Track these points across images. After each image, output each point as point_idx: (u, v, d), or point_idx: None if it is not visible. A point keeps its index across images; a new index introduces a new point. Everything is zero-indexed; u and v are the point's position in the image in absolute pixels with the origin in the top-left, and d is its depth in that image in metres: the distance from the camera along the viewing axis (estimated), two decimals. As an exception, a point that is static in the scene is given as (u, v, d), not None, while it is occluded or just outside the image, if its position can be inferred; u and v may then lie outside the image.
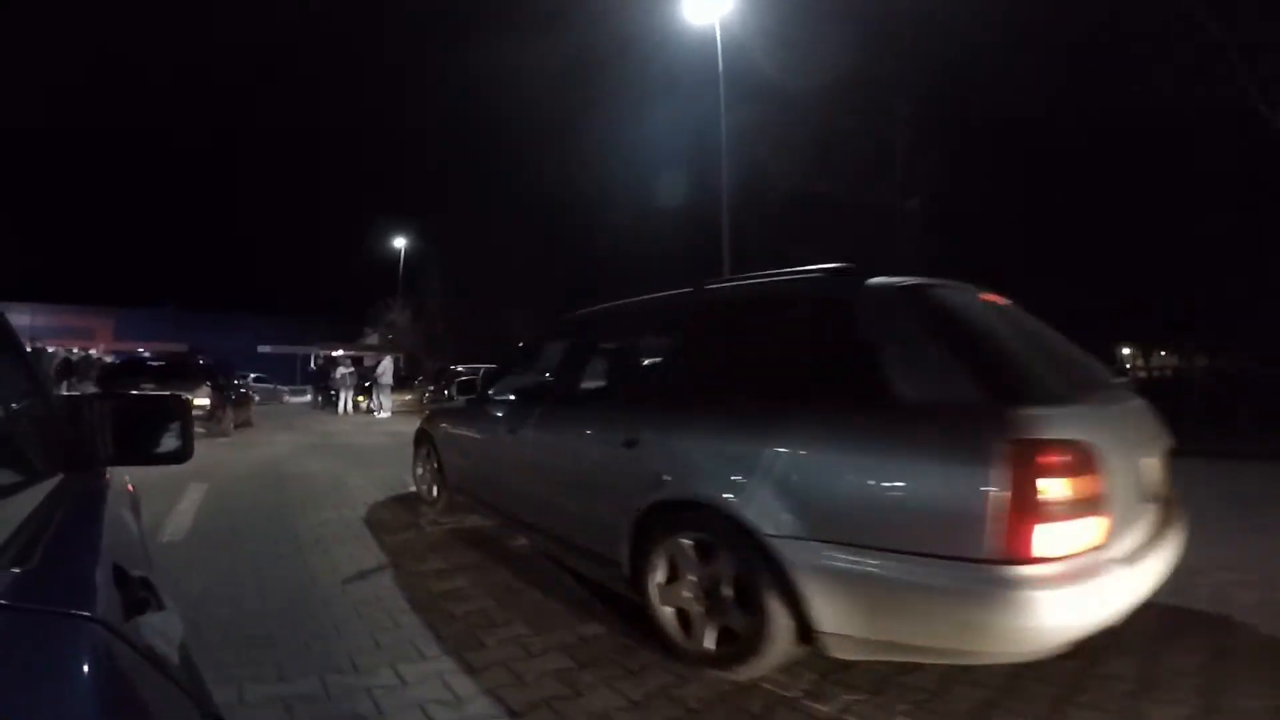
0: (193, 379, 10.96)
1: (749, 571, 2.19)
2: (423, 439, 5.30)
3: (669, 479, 2.48)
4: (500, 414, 4.05)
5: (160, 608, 0.90)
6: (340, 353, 24.97)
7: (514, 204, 28.28)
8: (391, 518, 4.93)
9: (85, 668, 0.58)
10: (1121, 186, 14.26)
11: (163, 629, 0.82)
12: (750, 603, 2.21)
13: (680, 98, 19.52)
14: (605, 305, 3.72)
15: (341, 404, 18.70)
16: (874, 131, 15.50)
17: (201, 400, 10.42)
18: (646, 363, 3.26)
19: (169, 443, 1.47)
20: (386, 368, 17.93)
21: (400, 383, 19.50)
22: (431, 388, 20.76)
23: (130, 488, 1.72)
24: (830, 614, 2.00)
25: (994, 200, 14.53)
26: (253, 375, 20.85)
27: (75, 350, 21.73)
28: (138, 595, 0.85)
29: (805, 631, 2.09)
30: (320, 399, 21.63)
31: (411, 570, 3.58)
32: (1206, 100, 12.45)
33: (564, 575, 3.49)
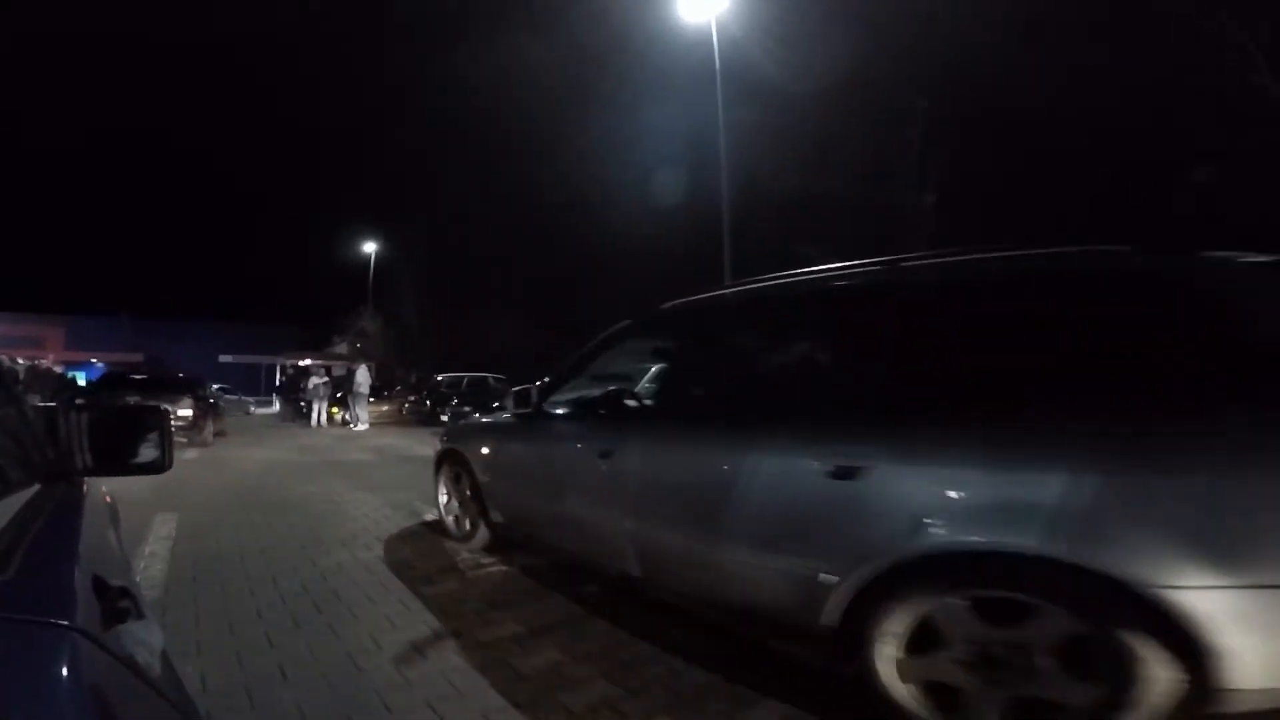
0: (176, 391, 11.49)
1: (1106, 631, 1.56)
2: (450, 460, 4.41)
3: (937, 521, 1.73)
4: (578, 431, 3.22)
5: (140, 617, 0.88)
6: (310, 362, 23.63)
7: (499, 204, 27.20)
8: (419, 558, 4.03)
9: (65, 676, 0.58)
10: (1131, 184, 13.94)
11: (144, 638, 0.79)
12: (1093, 667, 1.61)
13: (676, 97, 18.82)
14: (722, 291, 2.91)
15: (315, 416, 17.44)
16: (879, 130, 14.99)
17: (185, 411, 10.80)
18: (839, 364, 2.42)
19: (148, 453, 1.45)
20: (363, 377, 16.74)
21: (372, 392, 18.30)
22: (412, 398, 19.67)
23: (108, 498, 1.67)
24: (1264, 667, 1.46)
25: (1004, 197, 14.10)
26: (215, 386, 19.38)
27: (19, 360, 19.95)
28: (117, 605, 0.83)
29: (1201, 690, 1.52)
30: (290, 410, 20.30)
31: (481, 639, 2.70)
32: (1218, 91, 12.21)
33: (681, 632, 2.68)
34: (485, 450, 3.95)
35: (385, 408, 20.39)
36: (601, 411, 3.22)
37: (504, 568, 3.80)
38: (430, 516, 5.21)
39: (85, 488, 1.45)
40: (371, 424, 16.97)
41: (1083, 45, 13.83)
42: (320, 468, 8.72)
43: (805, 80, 15.94)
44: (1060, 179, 14.68)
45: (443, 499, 4.52)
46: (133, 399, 10.25)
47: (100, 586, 0.85)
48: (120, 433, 1.47)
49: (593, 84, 22.78)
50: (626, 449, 2.74)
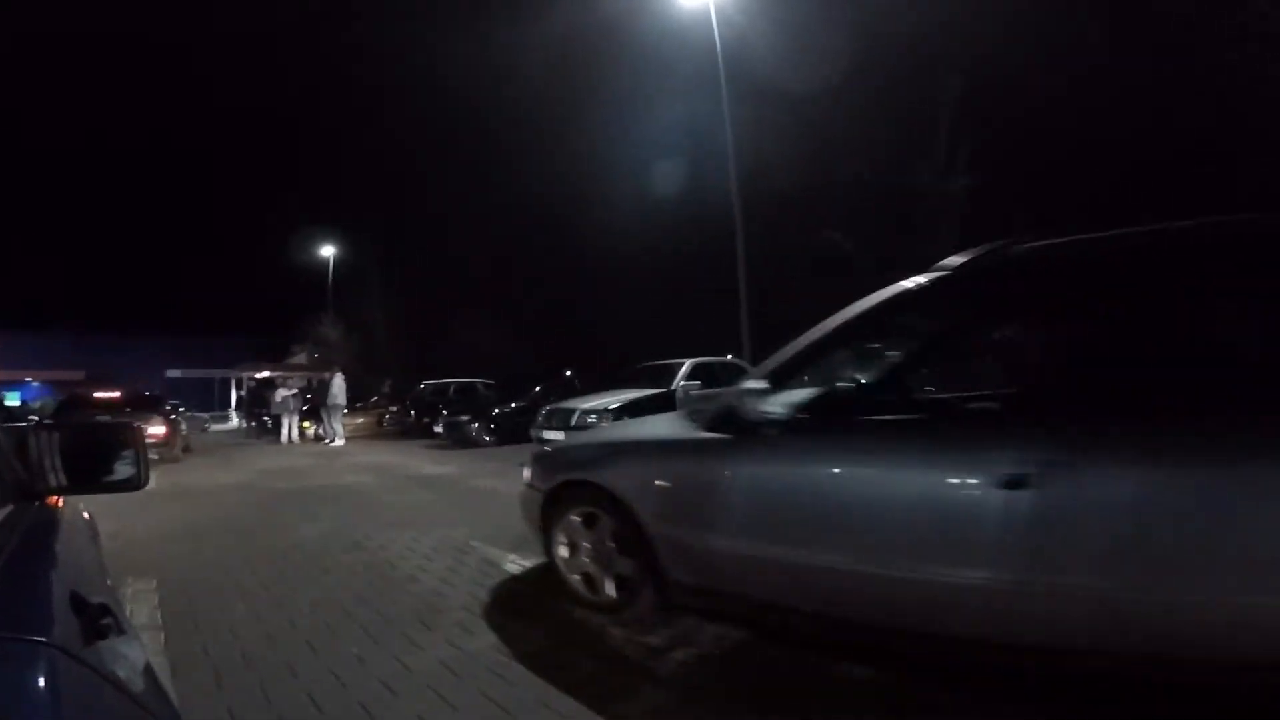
0: (146, 409, 11.55)
1: None
2: (577, 498, 3.08)
3: None
4: (918, 449, 2.01)
5: (122, 633, 0.87)
6: (273, 373, 21.71)
7: (474, 201, 25.52)
8: (562, 646, 2.68)
9: (42, 692, 0.57)
10: (1165, 177, 13.11)
11: (125, 654, 0.79)
12: None
13: (673, 87, 17.60)
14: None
15: (285, 432, 15.66)
16: (898, 115, 14.08)
17: (157, 429, 10.75)
18: None
19: (123, 470, 1.44)
20: (339, 388, 14.98)
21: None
22: (393, 408, 17.95)
23: (86, 515, 1.64)
24: None
25: (1034, 185, 13.27)
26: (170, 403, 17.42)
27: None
28: (98, 621, 0.82)
29: None
30: (255, 427, 18.36)
31: None
32: (1259, 79, 11.49)
33: None
34: (667, 482, 2.63)
35: (361, 420, 18.64)
36: (982, 416, 1.99)
37: (703, 651, 2.52)
38: (514, 566, 3.89)
39: (61, 505, 1.41)
40: (348, 438, 15.27)
41: (1112, 32, 13.08)
42: (318, 496, 7.20)
43: (815, 67, 14.95)
44: (1083, 166, 13.91)
45: (561, 552, 3.18)
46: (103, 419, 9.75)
47: (79, 603, 0.83)
48: (93, 451, 1.44)
49: (581, 73, 21.37)
50: (1088, 472, 1.53)
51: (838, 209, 14.30)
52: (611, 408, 8.68)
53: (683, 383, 9.62)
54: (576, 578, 3.13)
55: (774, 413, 2.33)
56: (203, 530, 5.43)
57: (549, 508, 3.24)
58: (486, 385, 17.51)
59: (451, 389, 17.23)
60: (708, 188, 15.69)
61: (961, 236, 13.36)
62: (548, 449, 3.59)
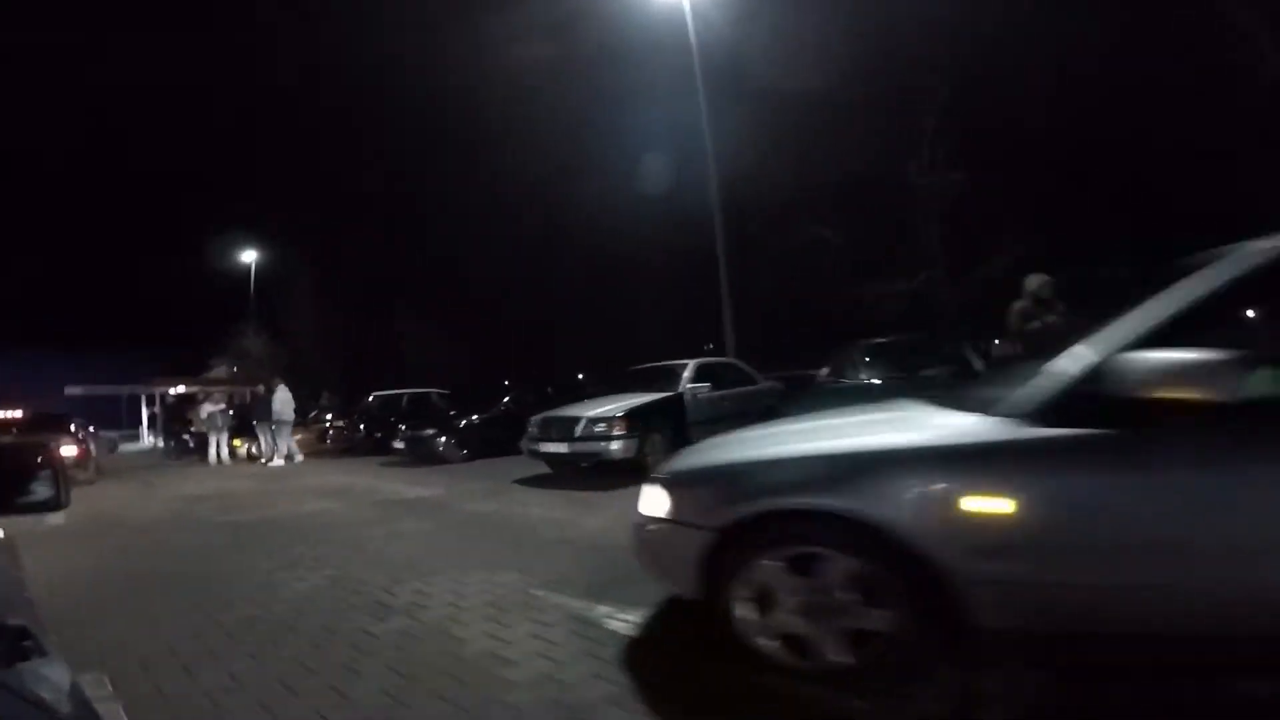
0: (53, 430, 10.85)
1: None
2: (786, 534, 2.18)
3: None
4: None
5: (44, 654, 0.84)
6: (192, 388, 19.56)
7: (410, 203, 23.93)
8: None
9: None
10: (1165, 177, 13.19)
11: (48, 676, 0.77)
12: None
13: (656, 86, 16.77)
14: None
15: (214, 451, 13.86)
16: (887, 114, 13.74)
17: (69, 449, 10.28)
18: None
19: (41, 490, 1.38)
20: (285, 401, 13.32)
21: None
22: (340, 423, 16.22)
23: (1, 534, 1.53)
24: None
25: (1033, 185, 13.13)
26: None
27: None
28: (18, 643, 0.80)
29: None
30: (175, 446, 16.32)
31: None
32: (1243, 85, 11.65)
33: None
34: (996, 502, 1.73)
35: (300, 436, 16.81)
36: None
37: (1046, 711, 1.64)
38: (619, 623, 2.91)
39: None
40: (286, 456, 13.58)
41: (1111, 31, 13.09)
42: (283, 530, 5.88)
43: (807, 67, 14.46)
44: (1081, 167, 13.83)
45: (743, 611, 2.23)
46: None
47: None
48: (7, 471, 1.40)
49: (537, 63, 20.30)
50: None
51: (831, 207, 13.86)
52: (619, 415, 7.72)
53: (689, 385, 8.75)
54: (773, 642, 2.19)
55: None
56: (149, 584, 4.15)
57: (721, 552, 2.27)
58: (441, 395, 16.14)
59: (405, 400, 15.74)
60: (688, 189, 15.00)
61: (960, 235, 13.14)
62: (705, 467, 2.61)
